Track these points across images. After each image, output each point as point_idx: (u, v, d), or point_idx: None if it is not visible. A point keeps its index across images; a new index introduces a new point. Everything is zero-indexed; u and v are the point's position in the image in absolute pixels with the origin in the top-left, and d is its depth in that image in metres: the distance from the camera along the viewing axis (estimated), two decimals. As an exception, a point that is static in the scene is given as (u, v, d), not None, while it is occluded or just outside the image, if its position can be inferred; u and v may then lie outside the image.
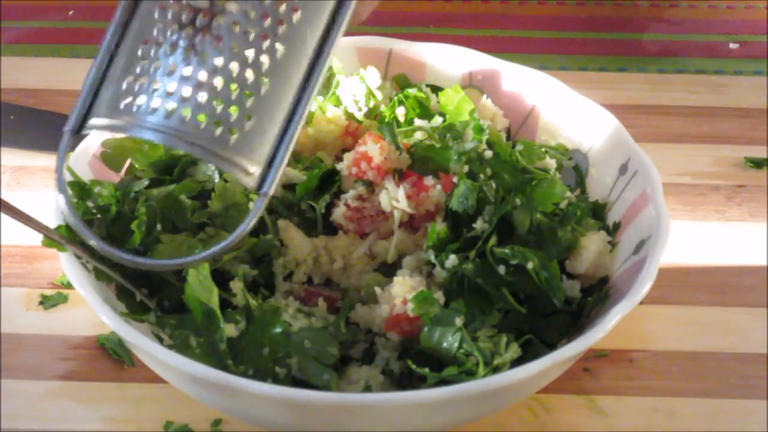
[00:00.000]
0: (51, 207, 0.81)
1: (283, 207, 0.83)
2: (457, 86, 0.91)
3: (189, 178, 0.83)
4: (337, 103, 0.89)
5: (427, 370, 0.74)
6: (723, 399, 0.82)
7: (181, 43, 0.68)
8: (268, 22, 0.67)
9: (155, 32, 0.69)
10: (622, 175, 0.86)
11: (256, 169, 0.67)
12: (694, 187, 0.98)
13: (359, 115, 0.88)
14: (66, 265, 0.77)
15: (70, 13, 1.18)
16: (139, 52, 0.69)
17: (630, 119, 0.92)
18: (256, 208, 0.68)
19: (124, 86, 0.68)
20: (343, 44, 0.94)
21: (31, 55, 1.12)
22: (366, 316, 0.79)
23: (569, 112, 0.91)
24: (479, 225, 0.80)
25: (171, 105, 0.67)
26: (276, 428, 0.77)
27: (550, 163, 0.88)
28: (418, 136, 0.85)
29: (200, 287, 0.75)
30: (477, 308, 0.77)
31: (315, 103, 0.87)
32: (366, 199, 0.82)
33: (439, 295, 0.77)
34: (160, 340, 0.77)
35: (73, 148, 0.72)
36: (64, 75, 1.08)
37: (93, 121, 0.69)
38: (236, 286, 0.78)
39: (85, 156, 0.85)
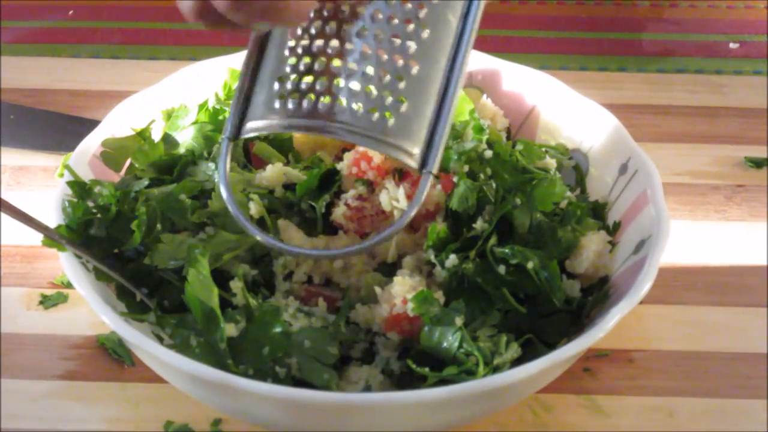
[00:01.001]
0: (51, 207, 0.81)
1: (283, 207, 0.83)
2: (457, 86, 0.91)
3: (189, 178, 0.83)
4: (338, 103, 0.89)
5: (427, 369, 0.74)
6: (723, 399, 0.82)
7: (327, 35, 0.69)
8: (409, 5, 0.68)
9: (299, 30, 0.70)
10: (622, 175, 0.86)
11: (417, 150, 0.69)
12: (694, 187, 0.98)
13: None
14: (66, 264, 0.77)
15: (70, 13, 1.18)
16: (286, 52, 0.70)
17: (630, 119, 0.92)
18: (422, 188, 0.69)
19: (276, 86, 0.69)
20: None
21: (31, 55, 1.11)
22: (366, 316, 0.79)
23: (569, 112, 0.91)
24: (479, 225, 0.80)
25: (325, 98, 0.68)
26: (276, 428, 0.77)
27: (550, 162, 0.88)
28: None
29: (200, 287, 0.75)
30: (477, 308, 0.77)
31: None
32: (366, 199, 0.82)
33: (439, 295, 0.77)
34: (160, 340, 0.77)
35: (231, 155, 0.72)
36: (64, 75, 1.08)
37: (250, 125, 0.70)
38: (236, 286, 0.78)
39: (85, 156, 0.85)
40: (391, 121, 0.68)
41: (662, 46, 1.16)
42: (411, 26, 0.68)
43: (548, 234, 0.80)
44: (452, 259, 0.78)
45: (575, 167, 0.90)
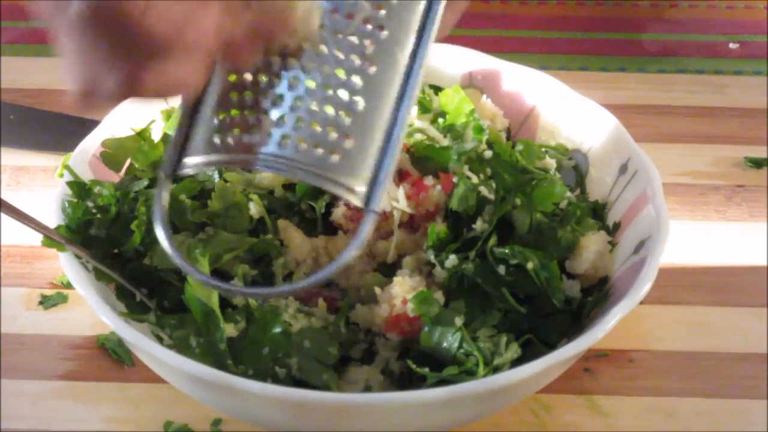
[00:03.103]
0: (51, 207, 0.81)
1: (283, 207, 0.83)
2: (457, 86, 0.91)
3: (189, 178, 0.83)
4: (337, 103, 0.89)
5: (427, 370, 0.74)
6: (723, 399, 0.82)
7: (271, 71, 0.67)
8: (355, 41, 0.67)
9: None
10: (622, 175, 0.86)
11: (361, 188, 0.67)
12: (694, 187, 0.98)
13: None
14: (66, 265, 0.77)
15: (70, 13, 1.18)
16: (228, 86, 0.68)
17: (630, 119, 0.92)
18: (364, 227, 0.67)
19: (215, 122, 0.68)
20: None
21: (31, 55, 1.12)
22: (366, 316, 0.79)
23: (569, 112, 0.91)
24: (479, 225, 0.80)
25: (266, 133, 0.66)
26: (276, 428, 0.77)
27: (550, 163, 0.88)
28: (418, 136, 0.85)
29: (200, 287, 0.75)
30: (477, 308, 0.77)
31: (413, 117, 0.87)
32: (366, 199, 0.82)
33: (439, 295, 0.77)
34: (160, 340, 0.77)
35: (167, 191, 0.71)
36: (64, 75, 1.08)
37: (188, 160, 0.68)
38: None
39: (85, 156, 0.85)
40: (335, 158, 0.66)
41: (662, 46, 1.16)
42: (357, 61, 0.67)
43: (548, 234, 0.80)
44: (452, 260, 0.78)
45: (575, 167, 0.90)
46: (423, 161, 0.83)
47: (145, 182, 0.83)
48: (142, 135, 0.86)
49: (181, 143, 0.69)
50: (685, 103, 1.07)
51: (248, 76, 0.68)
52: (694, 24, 1.19)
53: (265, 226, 0.81)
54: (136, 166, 0.85)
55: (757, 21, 1.19)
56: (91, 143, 0.86)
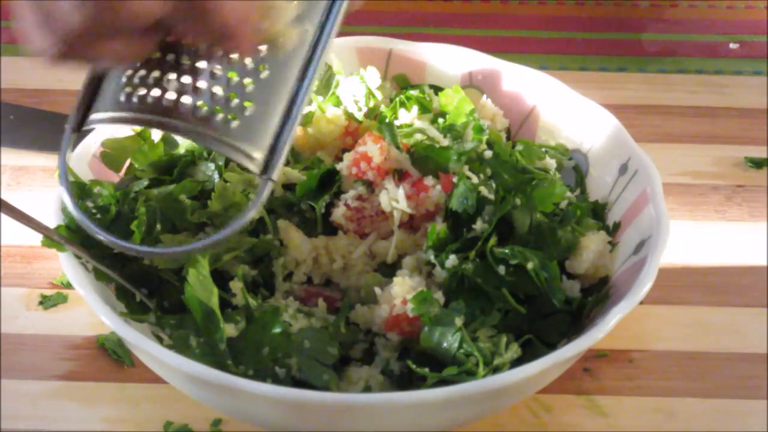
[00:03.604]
0: (51, 207, 0.81)
1: (283, 207, 0.83)
2: (457, 86, 0.91)
3: (189, 178, 0.83)
4: (337, 103, 0.89)
5: (427, 370, 0.74)
6: (723, 399, 0.82)
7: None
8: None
9: None
10: (622, 175, 0.86)
11: (259, 155, 0.68)
12: (694, 187, 0.98)
13: (359, 115, 0.88)
14: (65, 265, 0.77)
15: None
16: None
17: (630, 119, 0.92)
18: (260, 193, 0.68)
19: (123, 80, 0.69)
20: (343, 44, 0.94)
21: (31, 55, 1.11)
22: (366, 316, 0.79)
23: (569, 112, 0.91)
24: (479, 225, 0.80)
25: (171, 94, 0.67)
26: (276, 428, 0.77)
27: (550, 163, 0.88)
28: (418, 136, 0.85)
29: (200, 287, 0.75)
30: (477, 308, 0.77)
31: (314, 101, 0.87)
32: (366, 199, 0.82)
33: (439, 295, 0.77)
34: (160, 340, 0.77)
35: (74, 146, 0.72)
36: (64, 75, 1.07)
37: (94, 116, 0.70)
38: (236, 286, 0.78)
39: (85, 156, 0.85)
40: (235, 123, 0.67)
41: (662, 46, 1.16)
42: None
43: (548, 234, 0.80)
44: (452, 260, 0.78)
45: (575, 167, 0.90)
46: (423, 161, 0.83)
47: (145, 182, 0.83)
48: (142, 135, 0.86)
49: (88, 100, 0.70)
50: (685, 103, 1.07)
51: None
52: (694, 24, 1.19)
53: (265, 226, 0.81)
54: (136, 166, 0.85)
55: (757, 21, 1.19)
56: (91, 143, 0.86)
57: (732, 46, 1.16)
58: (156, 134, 0.88)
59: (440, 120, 0.89)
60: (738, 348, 0.85)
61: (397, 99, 0.91)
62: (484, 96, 0.93)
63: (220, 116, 0.67)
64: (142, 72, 0.68)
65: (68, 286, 0.87)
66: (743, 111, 1.06)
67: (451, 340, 0.75)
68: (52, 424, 0.79)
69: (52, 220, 0.80)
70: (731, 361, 0.85)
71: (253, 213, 0.68)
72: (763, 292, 0.89)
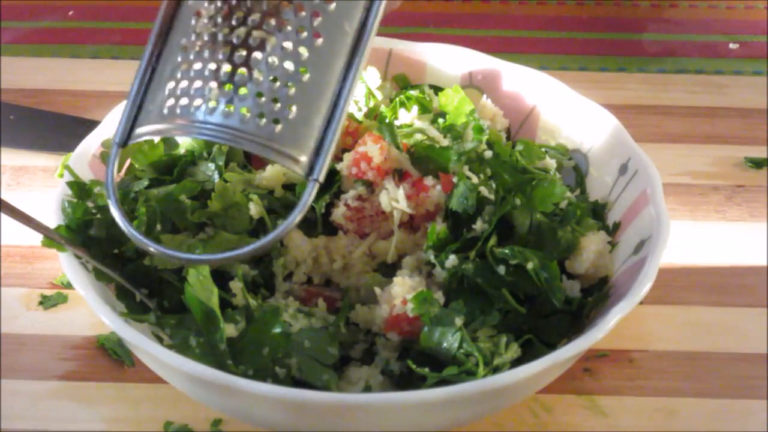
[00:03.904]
0: (51, 207, 0.81)
1: (283, 207, 0.83)
2: (457, 86, 0.91)
3: (189, 178, 0.83)
4: (337, 103, 0.89)
5: (427, 370, 0.74)
6: (723, 399, 0.82)
7: (219, 42, 0.69)
8: (303, 13, 0.69)
9: (193, 38, 0.70)
10: (622, 175, 0.86)
11: (304, 157, 0.68)
12: (694, 187, 0.98)
13: (359, 115, 0.88)
14: (66, 265, 0.77)
15: (70, 13, 1.18)
16: (179, 58, 0.70)
17: (630, 119, 0.92)
18: (307, 194, 0.69)
19: (166, 92, 0.70)
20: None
21: (31, 55, 1.12)
22: (366, 316, 0.79)
23: (569, 112, 0.91)
24: (479, 225, 0.80)
25: (213, 103, 0.68)
26: (276, 428, 0.77)
27: (550, 163, 0.88)
28: (418, 136, 0.85)
29: (200, 287, 0.75)
30: (477, 308, 0.77)
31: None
32: (366, 199, 0.82)
33: (439, 295, 0.77)
34: (160, 340, 0.77)
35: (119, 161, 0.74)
36: (64, 75, 1.08)
37: (139, 130, 0.71)
38: (236, 286, 0.78)
39: (85, 156, 0.85)
40: (279, 127, 0.68)
41: (662, 46, 1.16)
42: (305, 33, 0.68)
43: (548, 234, 0.80)
44: (452, 260, 0.78)
45: (575, 168, 0.90)
46: (423, 161, 0.83)
47: (145, 182, 0.83)
48: (142, 135, 0.86)
49: (134, 115, 0.71)
50: (685, 103, 1.07)
51: (198, 47, 0.69)
52: (694, 24, 1.19)
53: (265, 226, 0.81)
54: (136, 166, 0.85)
55: (757, 21, 1.19)
56: (91, 143, 0.86)
57: (732, 46, 1.16)
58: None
59: (440, 120, 0.89)
60: (738, 348, 0.85)
61: (397, 99, 0.91)
62: (484, 96, 0.93)
63: (263, 121, 0.68)
64: (184, 83, 0.69)
65: (68, 286, 0.87)
66: (743, 111, 1.06)
67: (451, 340, 0.75)
68: (52, 424, 0.79)
69: (52, 220, 0.80)
70: (731, 361, 0.85)
71: (299, 216, 0.69)
72: (763, 292, 0.89)
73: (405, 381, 0.77)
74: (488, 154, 0.83)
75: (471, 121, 0.87)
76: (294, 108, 0.68)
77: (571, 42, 1.16)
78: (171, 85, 0.70)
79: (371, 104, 0.90)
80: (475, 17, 1.19)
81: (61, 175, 0.84)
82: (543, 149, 0.89)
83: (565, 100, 0.91)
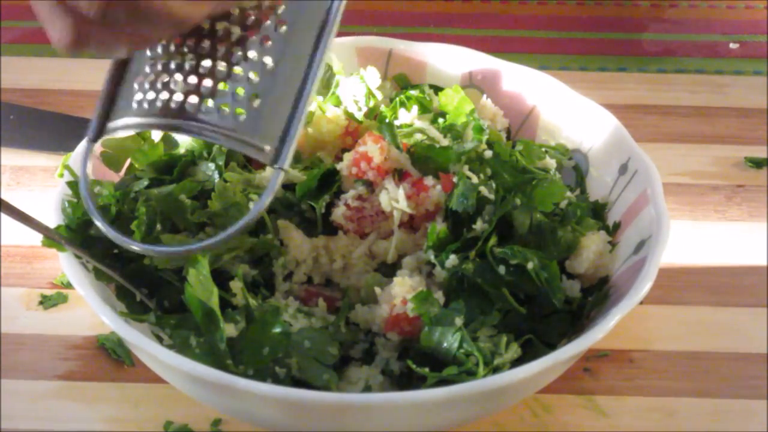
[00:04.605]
0: (51, 207, 0.81)
1: (283, 207, 0.83)
2: (457, 86, 0.91)
3: (189, 178, 0.83)
4: (337, 103, 0.89)
5: (427, 370, 0.74)
6: (723, 399, 0.82)
7: (183, 35, 0.69)
8: (266, 3, 0.68)
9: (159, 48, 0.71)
10: (622, 175, 0.86)
11: (268, 146, 0.69)
12: (694, 187, 0.98)
13: (359, 115, 0.88)
14: (65, 265, 0.77)
15: (70, 13, 1.18)
16: (147, 53, 0.71)
17: (630, 119, 0.92)
18: (272, 183, 0.69)
19: (135, 87, 0.70)
20: (343, 44, 0.94)
21: (31, 55, 1.12)
22: (366, 316, 0.79)
23: (569, 112, 0.91)
24: (479, 225, 0.80)
25: (178, 96, 0.68)
26: (276, 428, 0.77)
27: (550, 163, 0.88)
28: (418, 136, 0.85)
29: (200, 287, 0.75)
30: (477, 308, 0.77)
31: (316, 99, 0.87)
32: (366, 199, 0.82)
33: (439, 295, 0.77)
34: (160, 340, 0.77)
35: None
36: (64, 75, 1.08)
37: (111, 124, 0.71)
38: (236, 286, 0.78)
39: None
40: (242, 117, 0.68)
41: (662, 46, 1.16)
42: (268, 22, 0.69)
43: (548, 234, 0.80)
44: (452, 260, 0.78)
45: (575, 167, 0.90)
46: (423, 161, 0.83)
47: (145, 182, 0.83)
48: (142, 135, 0.86)
49: (105, 110, 0.71)
50: (685, 103, 1.07)
51: (163, 41, 0.70)
52: (694, 24, 1.19)
53: (265, 226, 0.81)
54: (136, 166, 0.85)
55: (757, 21, 1.19)
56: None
57: (732, 46, 1.15)
58: (156, 134, 0.88)
59: (440, 120, 0.89)
60: (738, 348, 0.85)
61: (397, 99, 0.91)
62: (484, 96, 0.93)
63: (227, 111, 0.68)
64: (151, 78, 0.69)
65: (68, 286, 0.87)
66: (743, 111, 1.06)
67: (451, 340, 0.75)
68: (52, 424, 0.79)
69: (52, 220, 0.80)
70: (731, 361, 0.85)
71: (266, 201, 0.69)
72: (763, 292, 0.89)
73: (405, 381, 0.77)
74: (488, 153, 0.83)
75: (471, 121, 0.87)
76: (257, 98, 0.68)
77: (571, 42, 1.16)
78: (140, 79, 0.70)
79: (371, 104, 0.90)
80: (475, 17, 1.19)
81: (61, 175, 0.84)
82: (543, 149, 0.89)
83: (565, 100, 0.91)
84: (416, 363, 0.74)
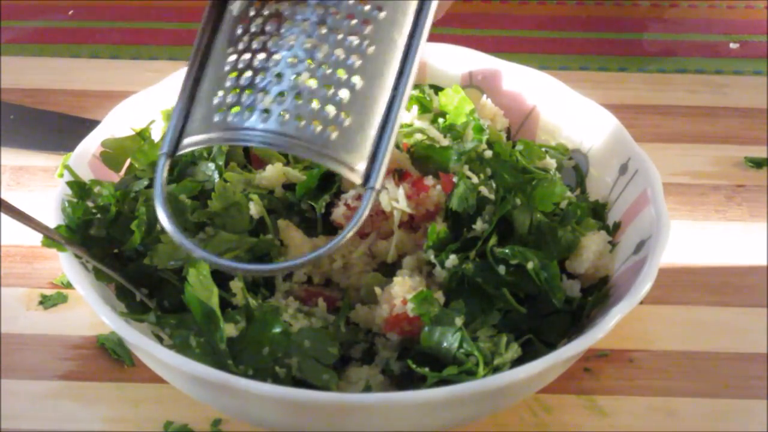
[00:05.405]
0: (51, 207, 0.81)
1: (283, 207, 0.83)
2: (457, 86, 0.91)
3: (189, 178, 0.83)
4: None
5: (427, 370, 0.74)
6: (723, 399, 0.82)
7: (268, 50, 0.68)
8: (353, 21, 0.68)
9: (240, 45, 0.70)
10: (622, 175, 0.86)
11: (360, 165, 0.68)
12: (694, 187, 0.98)
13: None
14: (66, 265, 0.77)
15: (70, 13, 1.18)
16: (226, 68, 0.70)
17: (630, 119, 0.92)
18: (365, 203, 0.68)
19: (215, 101, 0.69)
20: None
21: (31, 55, 1.12)
22: (366, 316, 0.79)
23: (569, 112, 0.91)
24: (479, 225, 0.80)
25: (266, 110, 0.67)
26: (276, 428, 0.77)
27: (550, 163, 0.88)
28: (418, 136, 0.85)
29: (200, 287, 0.75)
30: (477, 308, 0.77)
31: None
32: (366, 199, 0.82)
33: (439, 295, 0.77)
34: (160, 340, 0.77)
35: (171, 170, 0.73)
36: (64, 75, 1.08)
37: (188, 140, 0.70)
38: (236, 286, 0.78)
39: (85, 156, 0.85)
40: (334, 135, 0.67)
41: (662, 46, 1.16)
42: (356, 41, 0.68)
43: (548, 234, 0.80)
44: (452, 260, 0.78)
45: (575, 167, 0.90)
46: (423, 161, 0.83)
47: (145, 182, 0.83)
48: (142, 135, 0.86)
49: (181, 124, 0.70)
50: (685, 103, 1.07)
51: (247, 54, 0.69)
52: (694, 24, 1.19)
53: (265, 226, 0.81)
54: (136, 166, 0.85)
55: (757, 21, 1.19)
56: (91, 143, 0.86)
57: (732, 46, 1.15)
58: (156, 134, 0.88)
59: (440, 120, 0.89)
60: (738, 348, 0.85)
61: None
62: (484, 96, 0.93)
63: (318, 128, 0.67)
64: (235, 91, 0.68)
65: (68, 286, 0.87)
66: (743, 111, 1.06)
67: (451, 340, 0.75)
68: (52, 424, 0.79)
69: (52, 220, 0.80)
70: (731, 361, 0.85)
71: (355, 227, 0.68)
72: (763, 292, 0.89)
73: (405, 381, 0.77)
74: (488, 153, 0.84)
75: (471, 120, 0.87)
76: (348, 115, 0.67)
77: (571, 42, 1.16)
78: (219, 94, 0.69)
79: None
80: (475, 17, 1.19)
81: (61, 175, 0.84)
82: (543, 149, 0.89)
83: (565, 100, 0.91)
84: (416, 363, 0.74)
